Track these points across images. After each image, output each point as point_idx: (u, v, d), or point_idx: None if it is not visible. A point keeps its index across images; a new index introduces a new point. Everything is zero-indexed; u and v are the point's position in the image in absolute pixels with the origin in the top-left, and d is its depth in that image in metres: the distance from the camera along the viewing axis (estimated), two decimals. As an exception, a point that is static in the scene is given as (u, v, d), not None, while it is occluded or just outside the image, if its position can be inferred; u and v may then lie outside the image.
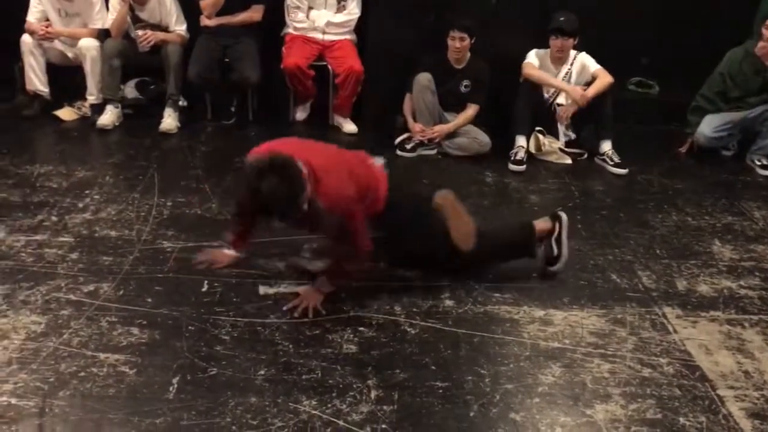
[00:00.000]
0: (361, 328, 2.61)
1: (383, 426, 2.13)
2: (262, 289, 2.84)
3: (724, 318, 2.84)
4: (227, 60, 4.86)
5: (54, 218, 3.38)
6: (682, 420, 2.23)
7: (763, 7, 4.83)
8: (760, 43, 4.48)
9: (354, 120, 4.99)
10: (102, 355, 2.38)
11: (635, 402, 2.31)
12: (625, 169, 4.42)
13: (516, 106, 4.56)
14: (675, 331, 2.73)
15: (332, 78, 4.91)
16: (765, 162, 4.59)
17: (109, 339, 2.47)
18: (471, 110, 4.60)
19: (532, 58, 4.57)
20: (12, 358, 2.34)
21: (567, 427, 2.18)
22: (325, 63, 4.93)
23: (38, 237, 3.18)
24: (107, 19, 4.79)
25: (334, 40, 4.91)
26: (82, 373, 2.28)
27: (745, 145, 4.76)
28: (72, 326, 2.53)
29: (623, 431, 2.17)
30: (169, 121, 4.74)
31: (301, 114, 5.15)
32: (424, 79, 4.51)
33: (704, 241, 3.53)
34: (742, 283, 3.13)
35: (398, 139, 4.62)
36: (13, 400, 2.15)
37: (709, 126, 4.68)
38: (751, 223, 3.78)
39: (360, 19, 4.94)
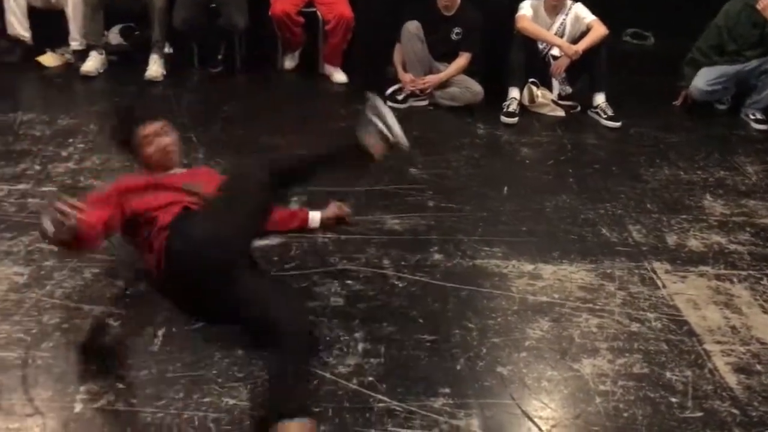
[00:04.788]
0: (349, 282, 2.59)
1: (370, 378, 2.12)
2: None
3: (713, 273, 2.83)
4: (213, 5, 4.73)
5: (37, 167, 3.32)
6: (668, 374, 2.23)
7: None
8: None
9: (344, 69, 4.89)
10: (86, 307, 2.35)
11: (622, 356, 2.30)
12: (618, 122, 4.36)
13: (510, 57, 4.46)
14: (664, 286, 2.72)
15: (322, 25, 4.79)
16: (759, 116, 4.54)
17: (93, 291, 2.44)
18: (463, 59, 4.50)
19: (527, 8, 4.44)
20: (-6, 309, 2.31)
21: (553, 381, 2.18)
22: (314, 10, 4.81)
23: (21, 186, 3.12)
24: (88, -38, 4.64)
25: (323, -14, 4.78)
26: (66, 325, 2.25)
27: (740, 99, 4.71)
28: (55, 277, 2.49)
29: (610, 385, 2.17)
30: (155, 68, 4.64)
31: (289, 63, 5.05)
32: (412, 27, 4.40)
33: (695, 196, 3.51)
34: (732, 238, 3.12)
35: (389, 90, 4.53)
36: (-4, 351, 2.12)
37: (703, 79, 4.61)
38: (744, 178, 3.76)
39: (350, -36, 4.81)
